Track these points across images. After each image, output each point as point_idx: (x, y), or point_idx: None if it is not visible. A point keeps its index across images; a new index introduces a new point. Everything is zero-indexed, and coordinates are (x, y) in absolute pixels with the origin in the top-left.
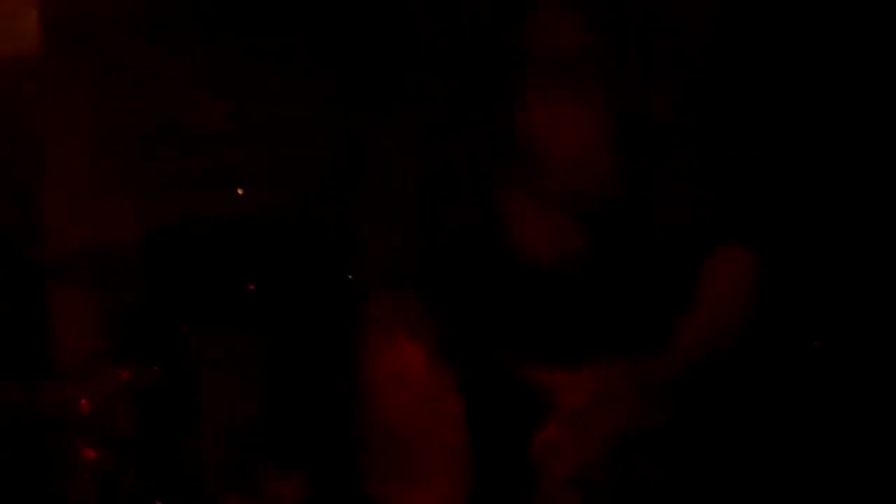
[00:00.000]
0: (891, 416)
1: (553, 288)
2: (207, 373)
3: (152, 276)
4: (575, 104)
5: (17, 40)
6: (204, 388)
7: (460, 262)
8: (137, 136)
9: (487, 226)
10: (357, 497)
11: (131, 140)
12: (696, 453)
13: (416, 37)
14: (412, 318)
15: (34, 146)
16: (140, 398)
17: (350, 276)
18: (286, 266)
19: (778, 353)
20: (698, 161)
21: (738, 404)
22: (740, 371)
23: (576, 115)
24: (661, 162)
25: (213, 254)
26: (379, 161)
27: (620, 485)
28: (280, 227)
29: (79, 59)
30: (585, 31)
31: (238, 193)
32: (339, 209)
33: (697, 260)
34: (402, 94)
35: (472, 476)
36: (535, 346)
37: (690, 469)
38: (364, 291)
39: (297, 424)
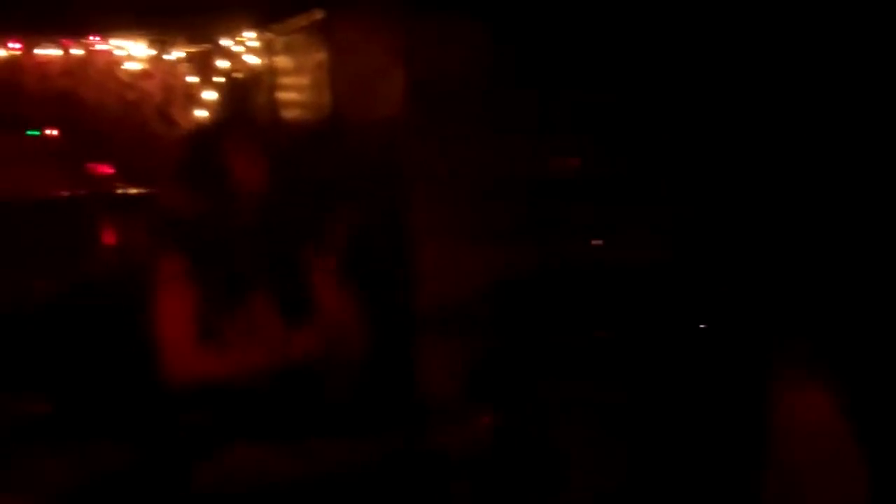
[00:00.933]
0: None
1: None
2: (560, 419)
3: (509, 323)
4: None
5: (386, 101)
6: (558, 434)
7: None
8: (497, 189)
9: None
10: None
11: (492, 194)
12: None
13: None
14: (816, 372)
15: (404, 201)
16: (498, 439)
17: (701, 326)
18: (637, 317)
19: None
20: None
21: None
22: None
23: None
24: None
25: (566, 302)
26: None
27: None
28: (632, 278)
29: (441, 118)
30: None
31: (591, 244)
32: (692, 261)
33: None
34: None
35: None
36: None
37: None
38: (764, 345)
39: (656, 477)
